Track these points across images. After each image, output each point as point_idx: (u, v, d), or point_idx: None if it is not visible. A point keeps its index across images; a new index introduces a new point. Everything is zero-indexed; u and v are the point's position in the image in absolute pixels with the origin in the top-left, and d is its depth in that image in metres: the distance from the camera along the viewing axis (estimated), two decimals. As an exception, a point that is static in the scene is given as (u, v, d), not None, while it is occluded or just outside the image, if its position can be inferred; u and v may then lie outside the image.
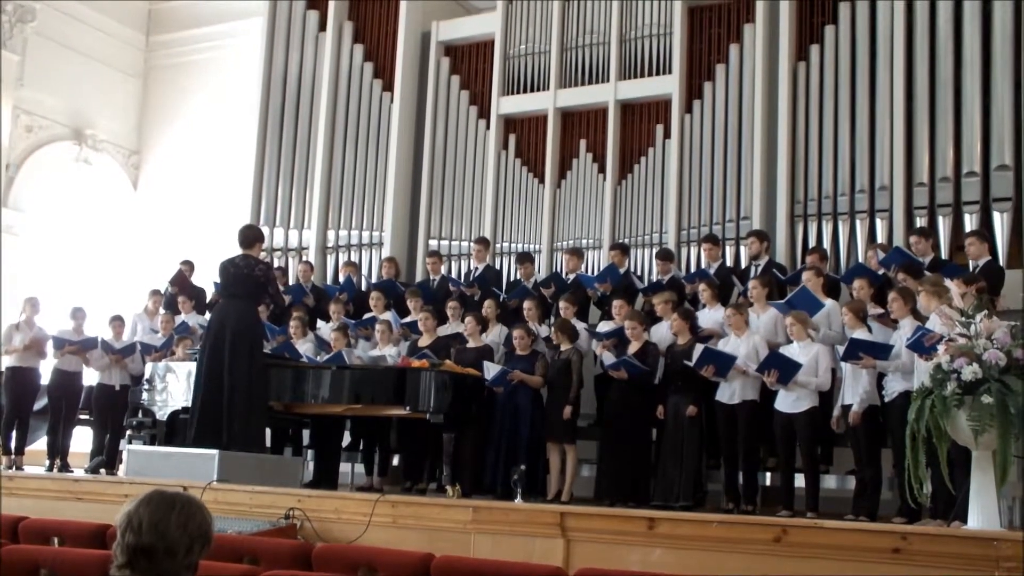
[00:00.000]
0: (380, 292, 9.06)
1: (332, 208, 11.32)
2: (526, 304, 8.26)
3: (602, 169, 10.17)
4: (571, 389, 7.53)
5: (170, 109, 13.64)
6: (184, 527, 2.28)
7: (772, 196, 9.30)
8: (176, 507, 2.30)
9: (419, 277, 10.34)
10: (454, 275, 10.12)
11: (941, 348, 4.77)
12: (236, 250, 7.54)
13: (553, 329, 7.79)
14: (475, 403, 7.66)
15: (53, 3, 12.43)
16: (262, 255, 8.09)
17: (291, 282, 10.36)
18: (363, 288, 9.89)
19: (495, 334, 8.27)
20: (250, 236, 7.57)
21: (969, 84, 8.48)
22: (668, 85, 9.92)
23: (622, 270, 8.76)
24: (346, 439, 8.65)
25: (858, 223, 8.80)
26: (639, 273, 9.40)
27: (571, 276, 8.87)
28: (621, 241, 9.55)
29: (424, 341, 8.23)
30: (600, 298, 8.54)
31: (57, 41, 12.58)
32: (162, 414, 7.94)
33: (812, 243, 8.88)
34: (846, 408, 6.54)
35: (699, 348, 7.05)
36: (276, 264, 10.77)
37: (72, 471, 8.66)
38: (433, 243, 10.70)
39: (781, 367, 6.65)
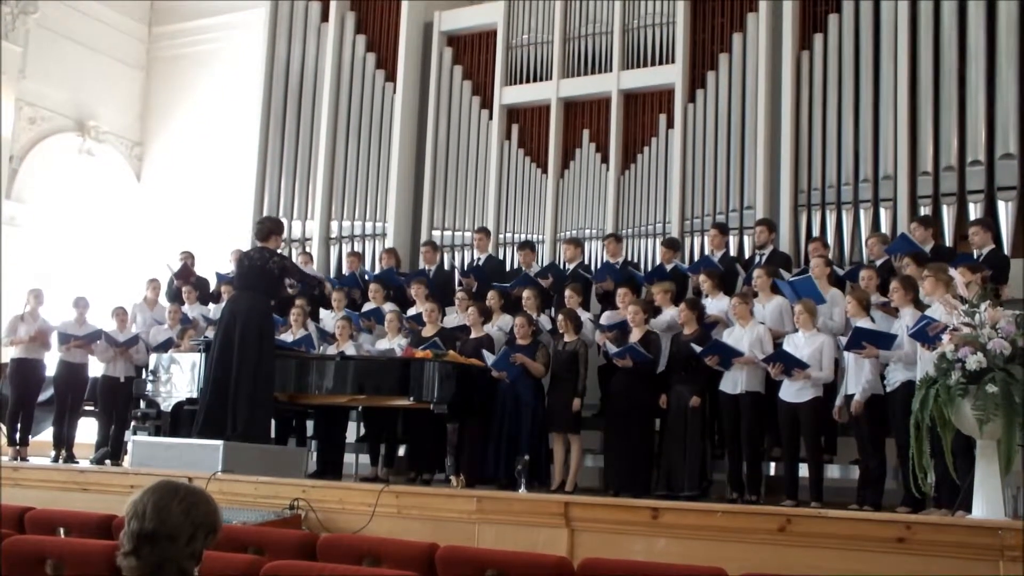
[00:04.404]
0: (378, 283, 9.05)
1: (335, 199, 11.33)
2: (525, 294, 8.26)
3: (605, 159, 10.16)
4: (579, 380, 7.52)
5: (173, 100, 13.64)
6: (187, 514, 2.29)
7: (776, 185, 9.29)
8: (179, 494, 2.32)
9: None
10: (457, 265, 10.13)
11: (945, 337, 4.76)
12: (240, 241, 7.52)
13: (560, 319, 7.79)
14: (478, 393, 7.67)
15: (55, -5, 12.42)
16: (281, 247, 8.02)
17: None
18: (366, 279, 9.88)
19: (500, 323, 8.27)
20: (264, 229, 7.53)
21: (974, 72, 8.45)
22: (671, 74, 9.91)
23: (619, 260, 8.76)
24: (352, 430, 8.65)
25: (862, 212, 8.79)
26: (642, 263, 9.39)
27: (570, 266, 8.86)
28: (614, 232, 9.52)
29: (428, 332, 8.23)
30: (606, 292, 8.54)
31: (59, 33, 12.56)
32: (166, 405, 7.95)
33: (816, 233, 8.87)
34: (849, 398, 6.53)
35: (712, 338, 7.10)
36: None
37: (77, 462, 8.69)
38: (436, 233, 10.69)
39: (786, 362, 6.65)
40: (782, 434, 6.87)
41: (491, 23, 10.93)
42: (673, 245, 8.75)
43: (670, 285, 7.85)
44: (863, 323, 6.51)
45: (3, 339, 9.13)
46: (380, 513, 5.25)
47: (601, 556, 4.13)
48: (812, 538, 4.35)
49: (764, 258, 8.15)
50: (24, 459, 8.71)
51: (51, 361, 9.22)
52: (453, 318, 8.60)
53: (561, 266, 9.01)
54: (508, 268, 9.80)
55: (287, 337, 8.65)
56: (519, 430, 7.53)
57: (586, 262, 9.23)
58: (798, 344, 6.77)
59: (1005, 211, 8.11)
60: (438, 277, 9.41)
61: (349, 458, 8.63)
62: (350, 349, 8.26)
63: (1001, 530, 4.02)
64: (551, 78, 10.49)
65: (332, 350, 8.33)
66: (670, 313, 7.67)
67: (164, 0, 13.90)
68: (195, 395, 7.60)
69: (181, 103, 13.53)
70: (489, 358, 7.61)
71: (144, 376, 8.54)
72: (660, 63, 9.99)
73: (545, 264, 9.51)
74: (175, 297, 9.86)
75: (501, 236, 10.41)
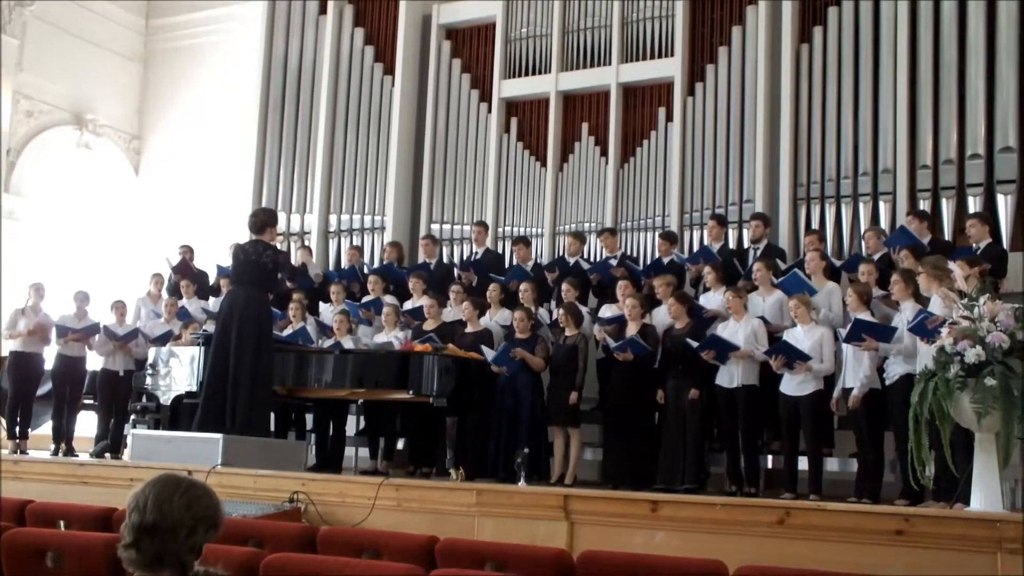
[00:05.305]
0: (377, 276, 9.05)
1: (334, 192, 11.32)
2: (522, 287, 8.26)
3: (604, 152, 10.15)
4: (578, 374, 7.52)
5: (171, 93, 13.60)
6: (188, 507, 2.30)
7: (775, 179, 9.29)
8: (181, 488, 2.33)
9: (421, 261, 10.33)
10: (456, 259, 10.12)
11: (944, 331, 4.77)
12: (239, 235, 7.51)
13: (562, 313, 7.80)
14: (478, 387, 7.67)
15: (52, -13, 12.39)
16: (277, 239, 8.01)
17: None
18: (365, 272, 9.88)
19: (499, 317, 8.27)
20: (259, 221, 7.52)
21: (973, 66, 8.44)
22: (670, 68, 9.89)
23: (617, 254, 8.75)
24: (351, 424, 8.66)
25: (861, 206, 8.78)
26: (641, 257, 9.39)
27: (572, 260, 8.87)
28: (609, 226, 9.52)
29: (429, 326, 8.23)
30: (600, 284, 8.54)
31: (57, 25, 12.52)
32: (166, 399, 7.95)
33: (815, 226, 8.86)
34: (847, 391, 6.54)
35: (708, 332, 7.10)
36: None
37: (77, 455, 8.69)
38: (435, 227, 10.68)
39: (788, 355, 6.66)
40: (782, 427, 6.87)
41: (490, 16, 10.92)
42: (671, 238, 8.76)
43: (672, 278, 7.85)
44: (863, 316, 6.51)
45: (3, 332, 9.13)
46: (380, 506, 5.27)
47: (600, 549, 4.15)
48: (811, 530, 4.37)
49: (759, 252, 8.15)
50: (24, 452, 8.71)
51: (50, 355, 9.22)
52: (449, 312, 8.59)
53: (564, 258, 9.02)
54: (507, 262, 9.80)
55: (286, 332, 8.66)
56: (518, 423, 7.54)
57: (585, 255, 9.22)
58: (798, 337, 6.78)
59: (1004, 205, 8.11)
60: (438, 270, 9.41)
61: (349, 451, 8.64)
62: (348, 343, 8.26)
63: (999, 522, 4.04)
64: (550, 71, 10.47)
65: (330, 344, 8.32)
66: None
67: (162, -7, 13.88)
68: (194, 389, 7.60)
69: (179, 96, 13.50)
70: (489, 353, 7.60)
71: (144, 370, 8.54)
72: (659, 56, 9.97)
73: (545, 259, 9.51)
74: (174, 291, 9.86)
75: (500, 229, 10.40)
